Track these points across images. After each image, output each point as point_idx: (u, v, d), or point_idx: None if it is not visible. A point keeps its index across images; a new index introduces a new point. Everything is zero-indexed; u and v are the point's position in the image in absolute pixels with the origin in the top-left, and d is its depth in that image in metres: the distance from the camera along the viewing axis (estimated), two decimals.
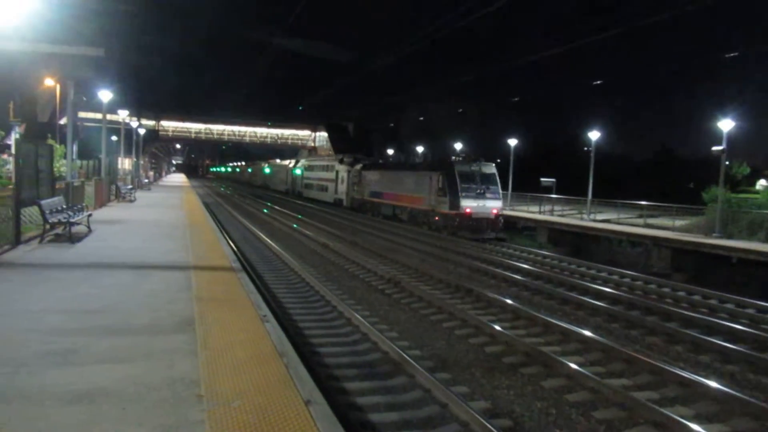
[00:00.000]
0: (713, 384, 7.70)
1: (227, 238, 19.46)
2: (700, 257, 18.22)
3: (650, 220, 24.90)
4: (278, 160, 74.62)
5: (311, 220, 30.99)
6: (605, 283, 15.84)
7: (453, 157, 31.74)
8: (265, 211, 37.10)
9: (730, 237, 19.92)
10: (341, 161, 44.99)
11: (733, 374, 8.73)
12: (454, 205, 26.28)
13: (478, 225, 26.22)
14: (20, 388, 4.49)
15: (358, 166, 40.22)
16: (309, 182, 54.70)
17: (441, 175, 27.46)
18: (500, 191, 27.82)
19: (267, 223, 29.50)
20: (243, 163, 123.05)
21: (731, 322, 11.42)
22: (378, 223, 31.52)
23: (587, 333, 9.96)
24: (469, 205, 26.10)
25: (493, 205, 26.66)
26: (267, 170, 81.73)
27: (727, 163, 22.33)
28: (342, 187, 43.24)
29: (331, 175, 46.74)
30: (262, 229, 25.12)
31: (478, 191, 26.53)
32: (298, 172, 59.09)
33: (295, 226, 27.25)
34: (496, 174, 27.97)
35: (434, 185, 27.95)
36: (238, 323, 6.59)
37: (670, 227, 22.67)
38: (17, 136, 26.26)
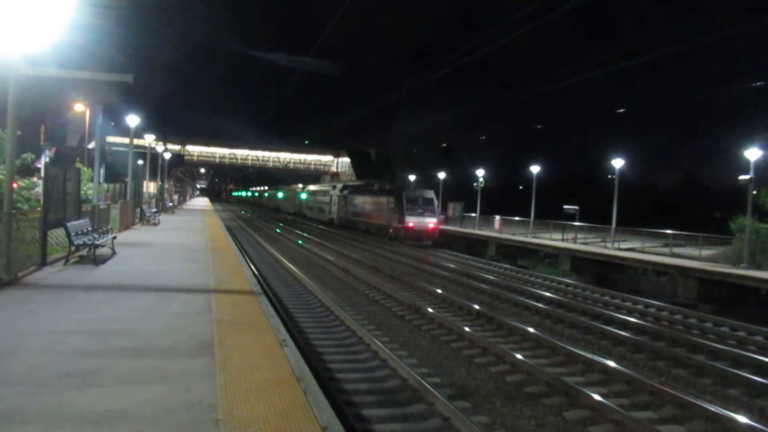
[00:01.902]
0: (742, 419, 7.46)
1: (248, 260, 19.57)
2: (728, 288, 17.82)
3: (676, 249, 24.50)
4: (300, 185, 77.28)
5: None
6: (630, 312, 15.55)
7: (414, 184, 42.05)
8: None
9: (758, 267, 19.49)
10: (333, 188, 54.44)
11: (763, 409, 8.47)
12: (401, 220, 34.91)
13: (418, 235, 34.75)
14: (40, 409, 4.51)
15: (345, 192, 48.88)
16: (311, 205, 63.70)
17: (394, 198, 36.55)
18: (436, 211, 36.84)
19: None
20: (261, 188, 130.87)
21: (761, 355, 11.10)
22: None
23: (611, 363, 9.76)
24: (412, 220, 34.72)
25: (429, 221, 35.25)
26: (280, 195, 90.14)
27: (754, 192, 21.91)
28: (334, 209, 51.96)
29: (327, 199, 55.79)
30: (270, 242, 28.57)
31: (419, 211, 35.15)
32: (303, 197, 68.52)
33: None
34: (434, 198, 36.91)
35: (390, 206, 36.98)
36: (257, 347, 6.57)
37: (697, 257, 22.27)
38: (47, 159, 26.84)
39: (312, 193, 64.76)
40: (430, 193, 37.01)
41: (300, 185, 77.10)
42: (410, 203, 35.25)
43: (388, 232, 36.99)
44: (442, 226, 38.87)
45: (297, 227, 46.95)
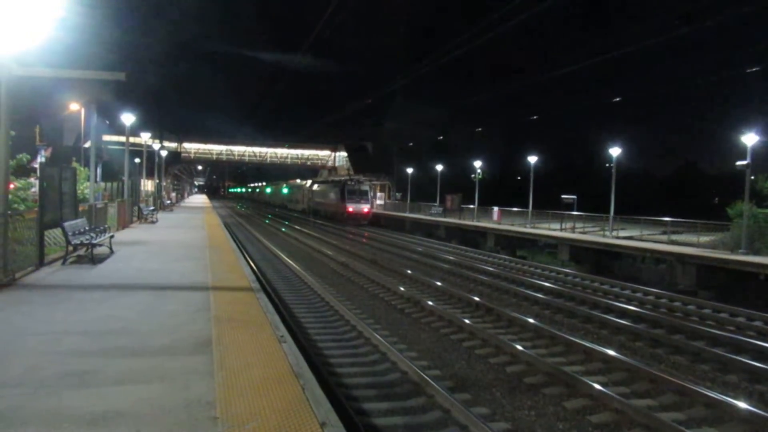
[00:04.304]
0: (742, 404, 7.48)
1: (246, 257, 19.55)
2: (727, 274, 17.84)
3: (674, 237, 24.49)
4: (293, 181, 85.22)
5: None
6: (629, 300, 15.58)
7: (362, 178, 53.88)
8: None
9: (757, 253, 19.49)
10: (306, 183, 68.51)
11: (762, 394, 8.49)
12: (344, 207, 47.19)
13: (356, 217, 47.03)
14: (38, 410, 4.50)
15: (312, 187, 62.50)
16: (290, 198, 77.31)
17: (339, 190, 49.01)
18: (370, 199, 49.72)
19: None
20: (254, 184, 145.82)
21: (759, 341, 11.14)
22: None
23: (611, 352, 9.78)
24: (351, 206, 47.07)
25: (364, 206, 47.89)
26: (268, 190, 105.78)
27: (752, 177, 21.90)
28: (305, 200, 65.12)
29: (300, 192, 69.23)
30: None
31: (356, 199, 47.56)
32: (285, 192, 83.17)
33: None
34: (368, 190, 50.05)
35: (336, 196, 49.59)
36: (255, 344, 6.57)
37: (695, 243, 22.29)
38: (43, 159, 26.77)
39: (291, 188, 79.22)
40: (366, 186, 50.05)
41: (298, 181, 79.48)
42: (350, 194, 47.59)
43: (337, 215, 49.02)
44: (443, 219, 41.01)
45: (280, 217, 57.77)
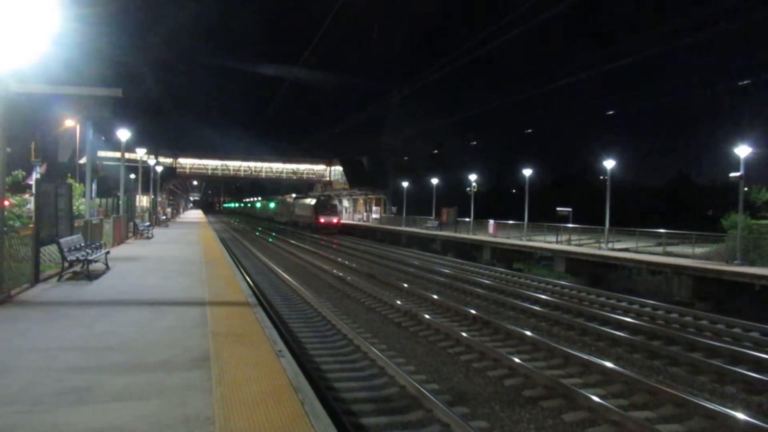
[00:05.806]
0: (740, 415, 7.48)
1: (242, 271, 19.51)
2: (722, 285, 17.89)
3: (669, 248, 24.56)
4: (278, 197, 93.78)
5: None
6: (626, 312, 15.59)
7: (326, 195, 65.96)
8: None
9: (752, 264, 19.57)
10: (289, 198, 78.09)
11: (761, 405, 8.49)
12: (317, 219, 55.42)
13: (327, 228, 54.51)
14: (35, 428, 4.46)
15: (295, 202, 71.12)
16: (276, 212, 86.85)
17: (313, 204, 58.15)
18: (338, 212, 60.90)
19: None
20: (247, 199, 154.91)
21: (757, 351, 11.14)
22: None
23: (608, 364, 9.77)
24: (323, 218, 55.36)
25: (333, 218, 56.46)
26: (258, 205, 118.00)
27: (745, 189, 22.01)
28: (288, 214, 73.84)
29: (285, 207, 78.26)
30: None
31: (327, 212, 56.30)
32: (272, 206, 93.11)
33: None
34: (336, 204, 62.13)
35: (311, 209, 57.90)
36: (253, 358, 6.54)
37: (690, 255, 22.35)
38: (38, 175, 26.73)
39: (277, 203, 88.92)
40: (335, 201, 62.85)
41: (293, 196, 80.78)
42: (321, 208, 56.75)
43: (311, 226, 56.26)
44: (439, 233, 41.41)
45: (268, 229, 64.80)
